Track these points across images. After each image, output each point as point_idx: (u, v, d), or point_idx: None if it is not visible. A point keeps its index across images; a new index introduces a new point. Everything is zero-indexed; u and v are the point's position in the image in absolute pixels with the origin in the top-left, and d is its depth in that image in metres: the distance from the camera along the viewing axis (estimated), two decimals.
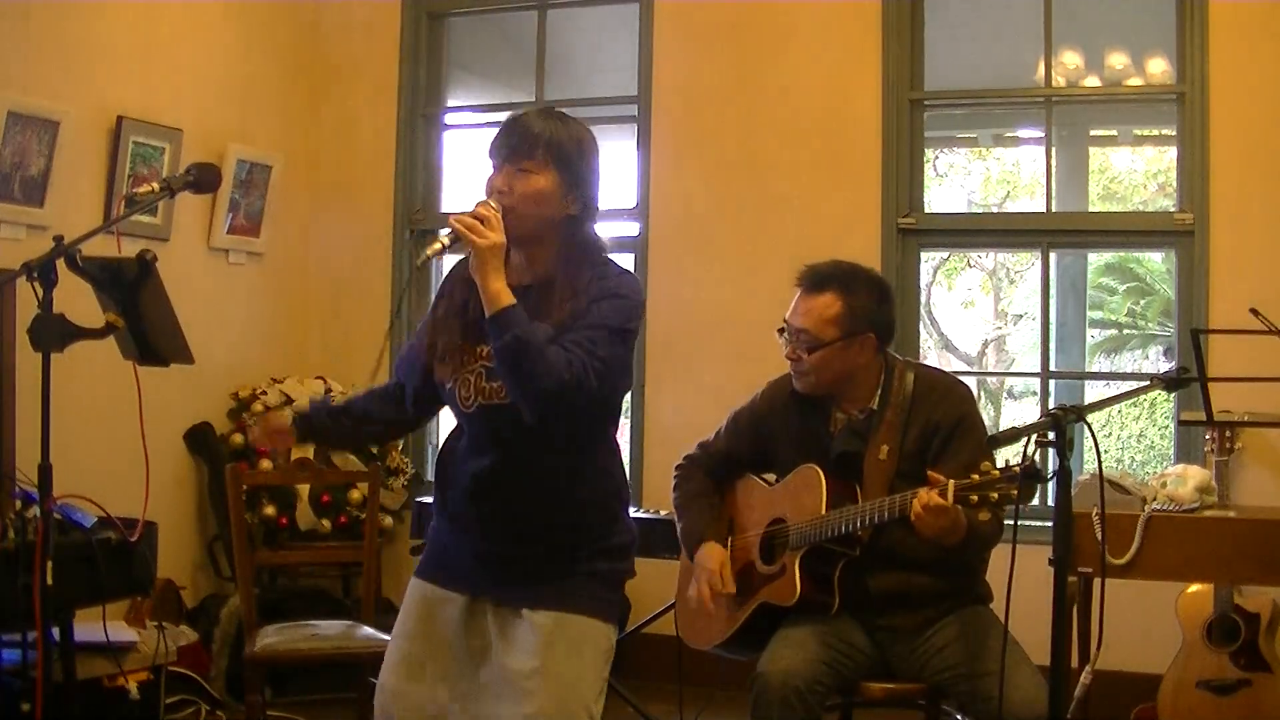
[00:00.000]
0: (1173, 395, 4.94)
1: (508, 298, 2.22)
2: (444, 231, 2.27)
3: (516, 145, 2.33)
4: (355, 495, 4.81)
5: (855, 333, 2.92)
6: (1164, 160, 9.39)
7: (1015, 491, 2.45)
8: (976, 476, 2.50)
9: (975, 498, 2.49)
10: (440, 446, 2.55)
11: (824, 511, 2.85)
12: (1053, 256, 5.21)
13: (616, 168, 5.75)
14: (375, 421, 2.63)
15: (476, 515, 2.41)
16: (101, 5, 4.44)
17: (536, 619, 2.33)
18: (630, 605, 4.81)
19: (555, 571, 2.37)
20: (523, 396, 2.24)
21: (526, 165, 2.31)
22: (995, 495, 2.48)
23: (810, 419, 3.03)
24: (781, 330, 3.00)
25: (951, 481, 2.54)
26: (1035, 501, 4.42)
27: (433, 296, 2.60)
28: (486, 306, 2.23)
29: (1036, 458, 2.37)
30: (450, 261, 2.55)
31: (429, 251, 2.26)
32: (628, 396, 5.34)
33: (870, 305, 2.94)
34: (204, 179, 2.64)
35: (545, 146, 2.32)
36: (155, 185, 2.54)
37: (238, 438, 4.88)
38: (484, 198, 2.32)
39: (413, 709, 2.41)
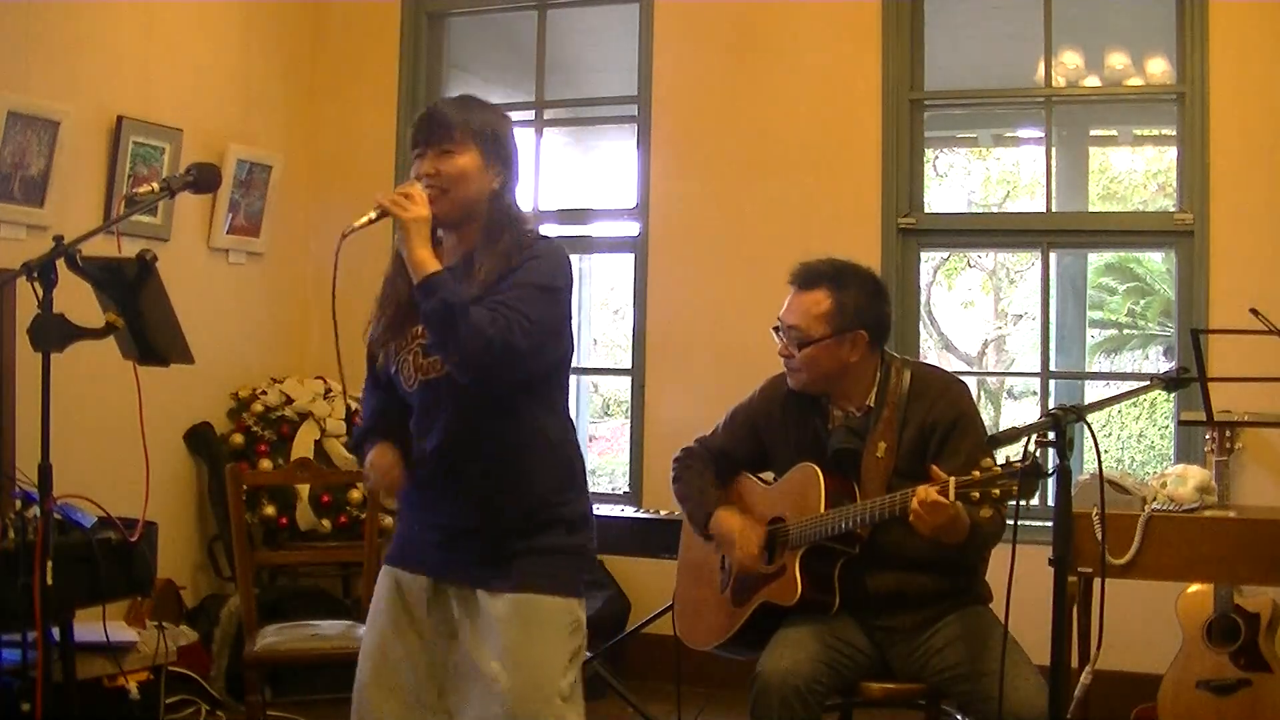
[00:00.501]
0: (1173, 395, 4.94)
1: (433, 265, 2.30)
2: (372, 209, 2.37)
3: (435, 130, 2.42)
4: (355, 495, 4.81)
5: (845, 330, 2.92)
6: (1164, 160, 9.37)
7: (1016, 488, 2.44)
8: (978, 473, 2.50)
9: (977, 494, 2.49)
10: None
11: (823, 510, 2.86)
12: (1053, 256, 5.21)
13: (616, 168, 5.75)
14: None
15: (429, 494, 2.45)
16: (101, 5, 4.44)
17: (494, 605, 2.37)
18: (630, 605, 4.81)
19: (511, 550, 2.40)
20: (452, 359, 2.30)
21: (447, 147, 2.41)
22: (997, 491, 2.47)
23: (807, 417, 3.03)
24: (777, 328, 3.01)
25: (952, 478, 2.54)
26: (1035, 501, 4.42)
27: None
28: (413, 275, 2.31)
29: (1037, 454, 2.37)
30: None
31: (357, 224, 2.38)
32: (627, 395, 5.36)
33: (861, 302, 2.94)
34: (204, 179, 2.64)
35: (462, 127, 2.42)
36: (155, 185, 2.55)
37: (238, 438, 4.89)
38: (415, 184, 2.41)
39: (384, 703, 2.45)
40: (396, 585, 2.50)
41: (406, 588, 2.49)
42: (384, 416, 2.57)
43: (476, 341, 2.23)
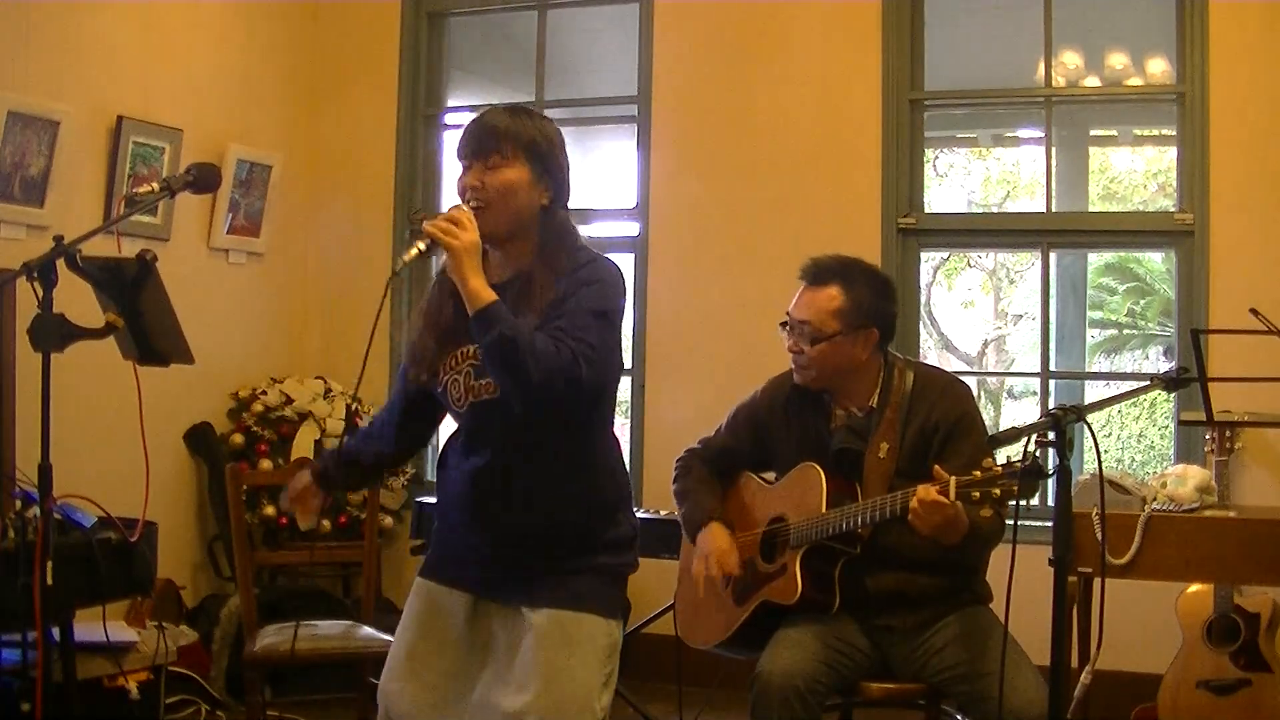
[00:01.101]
0: (1173, 395, 4.94)
1: (489, 294, 2.23)
2: (420, 238, 2.27)
3: (484, 141, 2.34)
4: (355, 495, 4.81)
5: (857, 326, 2.92)
6: (1164, 160, 9.37)
7: (1017, 488, 2.44)
8: (979, 473, 2.50)
9: (977, 494, 2.49)
10: (440, 448, 2.55)
11: (824, 510, 2.86)
12: (1053, 256, 5.21)
13: (616, 168, 5.75)
14: (377, 463, 2.66)
15: (475, 514, 2.41)
16: (101, 5, 4.44)
17: (535, 618, 2.33)
18: (630, 605, 4.79)
19: (555, 568, 2.36)
20: (514, 390, 2.24)
21: (495, 160, 2.33)
22: (997, 491, 2.48)
23: (810, 416, 3.03)
24: (784, 324, 3.00)
25: (953, 478, 2.54)
26: (1035, 501, 4.42)
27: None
28: (469, 305, 2.23)
29: (1038, 454, 2.37)
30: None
31: (406, 258, 2.27)
32: (627, 396, 5.36)
33: (872, 300, 2.95)
34: (204, 179, 2.64)
35: (512, 139, 2.34)
36: (155, 185, 2.54)
37: (238, 438, 4.89)
38: (457, 202, 2.34)
39: (413, 706, 2.41)
40: (432, 600, 2.46)
41: (442, 603, 2.44)
42: (367, 439, 2.60)
43: (539, 375, 2.18)
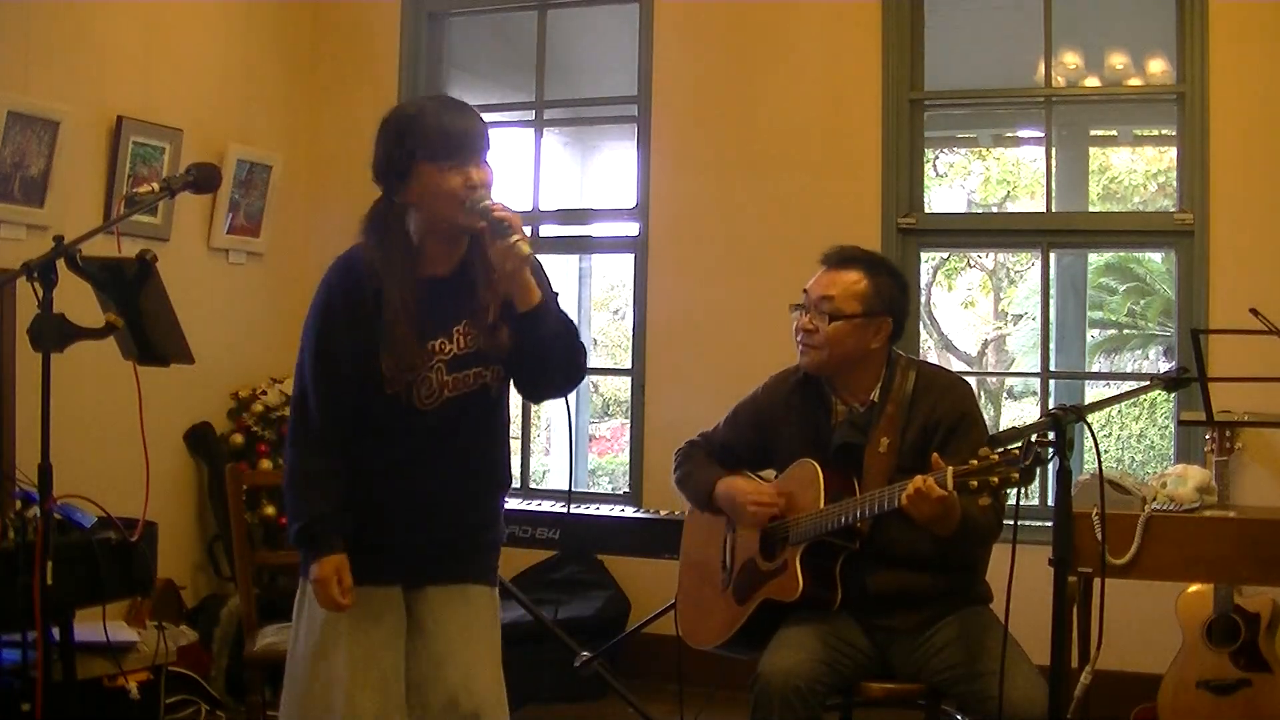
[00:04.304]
0: (1173, 395, 4.94)
1: (538, 291, 2.38)
2: (518, 239, 2.33)
3: (481, 136, 2.43)
4: None
5: (875, 313, 2.94)
6: (1164, 160, 9.39)
7: (1015, 475, 2.44)
8: (975, 462, 2.50)
9: (975, 483, 2.49)
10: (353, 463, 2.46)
11: (822, 505, 2.86)
12: (1053, 256, 5.21)
13: (616, 168, 5.76)
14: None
15: (420, 514, 2.46)
16: (101, 5, 4.44)
17: (472, 595, 2.49)
18: (630, 605, 4.81)
19: (475, 544, 2.55)
20: (569, 376, 2.47)
21: (486, 154, 2.43)
22: (995, 480, 2.47)
23: (811, 410, 3.03)
24: (796, 305, 3.01)
25: (950, 468, 2.54)
26: (1035, 501, 4.42)
27: None
28: (527, 302, 2.36)
29: (1036, 448, 2.37)
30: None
31: (527, 252, 2.32)
32: (627, 395, 5.36)
33: (893, 291, 2.98)
34: (204, 179, 2.64)
35: (488, 136, 2.46)
36: (155, 185, 2.55)
37: (238, 438, 4.89)
38: (488, 198, 2.39)
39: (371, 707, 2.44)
40: (364, 601, 2.46)
41: (368, 599, 2.45)
42: (342, 480, 2.41)
43: (583, 358, 2.45)
